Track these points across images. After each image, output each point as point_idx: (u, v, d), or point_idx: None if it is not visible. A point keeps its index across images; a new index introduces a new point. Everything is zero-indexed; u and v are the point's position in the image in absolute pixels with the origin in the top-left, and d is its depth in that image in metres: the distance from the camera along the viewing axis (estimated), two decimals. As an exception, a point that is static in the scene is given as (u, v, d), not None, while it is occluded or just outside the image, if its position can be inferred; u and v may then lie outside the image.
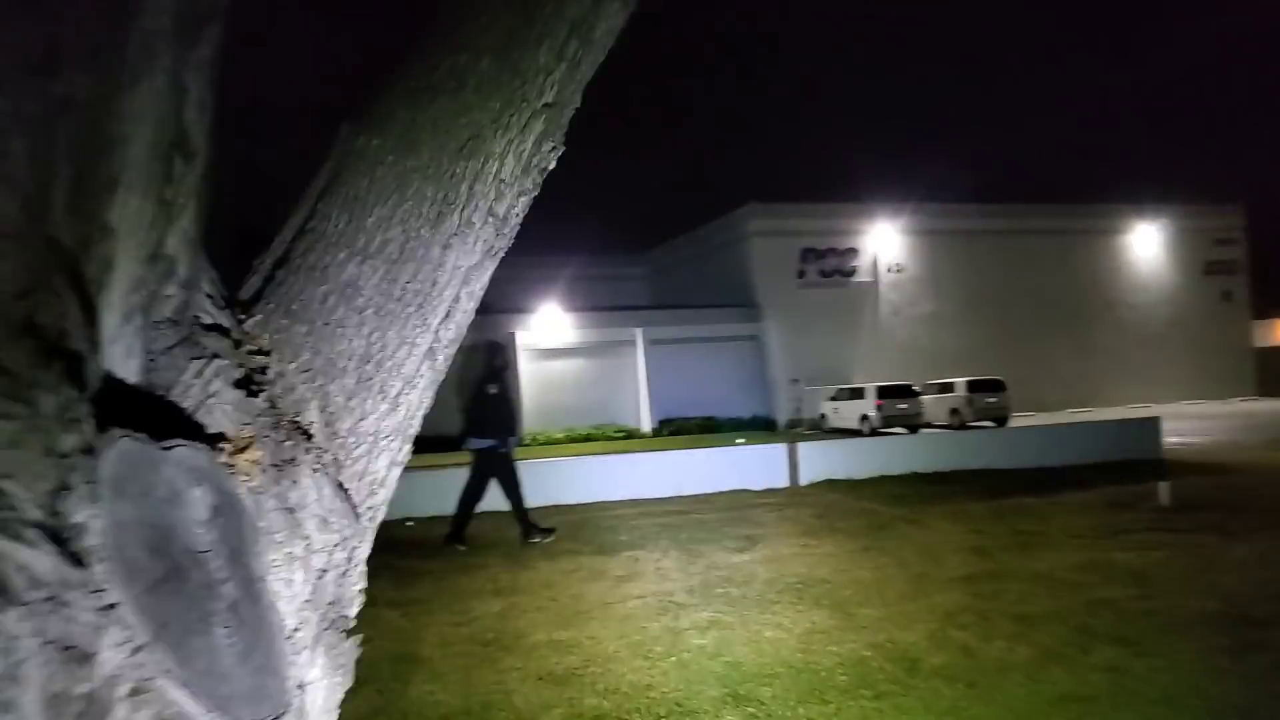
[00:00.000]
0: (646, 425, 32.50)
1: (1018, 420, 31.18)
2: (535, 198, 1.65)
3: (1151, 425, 15.10)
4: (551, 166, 1.67)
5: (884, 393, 29.33)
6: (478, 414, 9.25)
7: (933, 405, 30.71)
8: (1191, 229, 41.53)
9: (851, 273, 36.14)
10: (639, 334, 32.96)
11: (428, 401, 1.55)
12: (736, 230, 35.72)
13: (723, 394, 33.29)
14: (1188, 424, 27.57)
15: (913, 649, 5.41)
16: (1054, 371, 37.62)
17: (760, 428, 32.71)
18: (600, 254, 43.20)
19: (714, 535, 9.31)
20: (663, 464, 12.88)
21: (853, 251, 36.15)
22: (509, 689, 5.02)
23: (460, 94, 1.48)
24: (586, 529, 9.94)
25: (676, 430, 31.73)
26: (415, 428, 1.53)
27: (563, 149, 1.66)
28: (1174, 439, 22.64)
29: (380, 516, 1.50)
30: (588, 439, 30.42)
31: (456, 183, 1.48)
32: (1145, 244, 40.70)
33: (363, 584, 1.47)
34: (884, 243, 36.56)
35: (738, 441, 18.87)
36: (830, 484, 12.96)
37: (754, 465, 12.86)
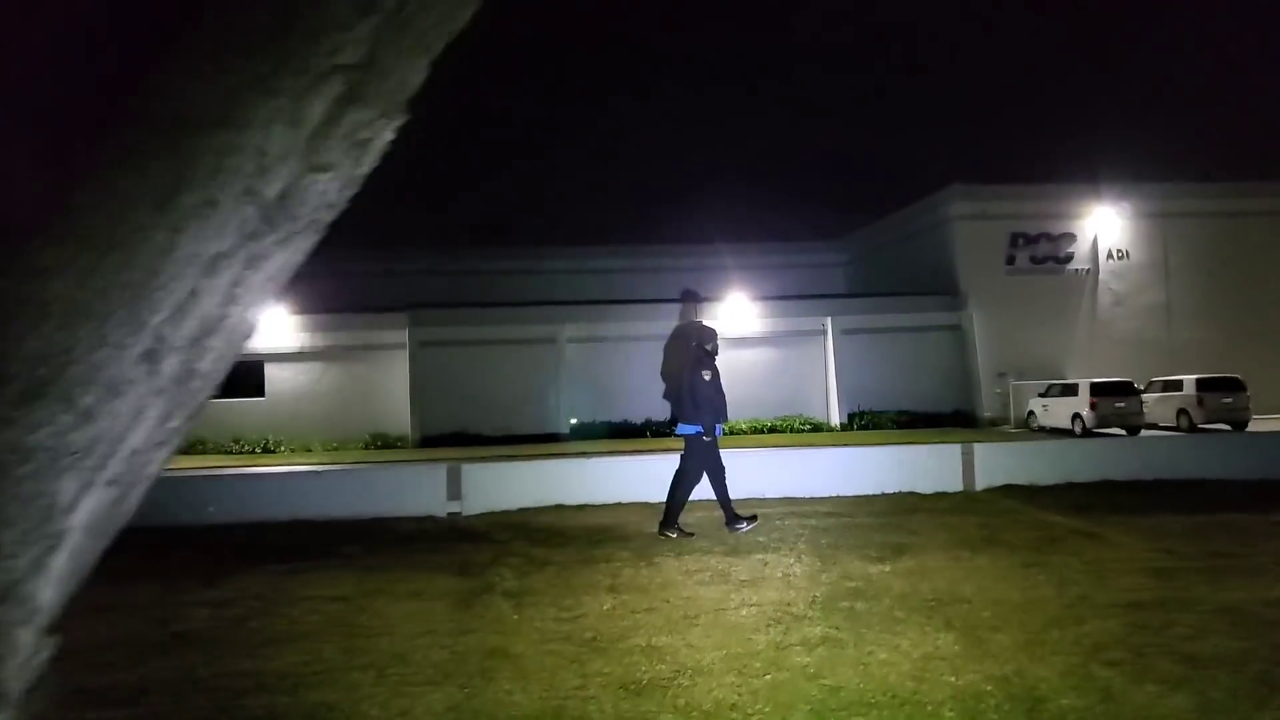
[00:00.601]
0: (836, 418, 31.51)
1: (1260, 424, 27.98)
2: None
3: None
4: (382, 140, 1.39)
5: (1099, 390, 27.03)
6: (687, 398, 9.10)
7: (1157, 405, 28.04)
8: None
9: (1067, 259, 33.45)
10: (829, 323, 31.96)
11: (162, 413, 1.32)
12: (939, 213, 33.90)
13: (920, 387, 31.76)
14: None
15: (1042, 685, 4.77)
16: (1304, 372, 33.36)
17: (961, 424, 31.02)
18: (794, 239, 42.32)
19: (859, 541, 8.74)
20: (824, 460, 12.31)
21: (1069, 236, 33.44)
22: (588, 695, 4.83)
23: (221, 55, 1.24)
24: (724, 528, 9.60)
25: (868, 424, 30.62)
26: (137, 444, 1.30)
27: (399, 120, 1.38)
28: None
29: (81, 544, 1.29)
30: (772, 430, 29.90)
31: (195, 157, 1.23)
32: None
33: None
34: (1104, 227, 33.57)
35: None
36: (1009, 489, 11.96)
37: (926, 466, 12.05)
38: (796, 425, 30.53)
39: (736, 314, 31.80)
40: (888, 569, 7.53)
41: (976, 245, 32.76)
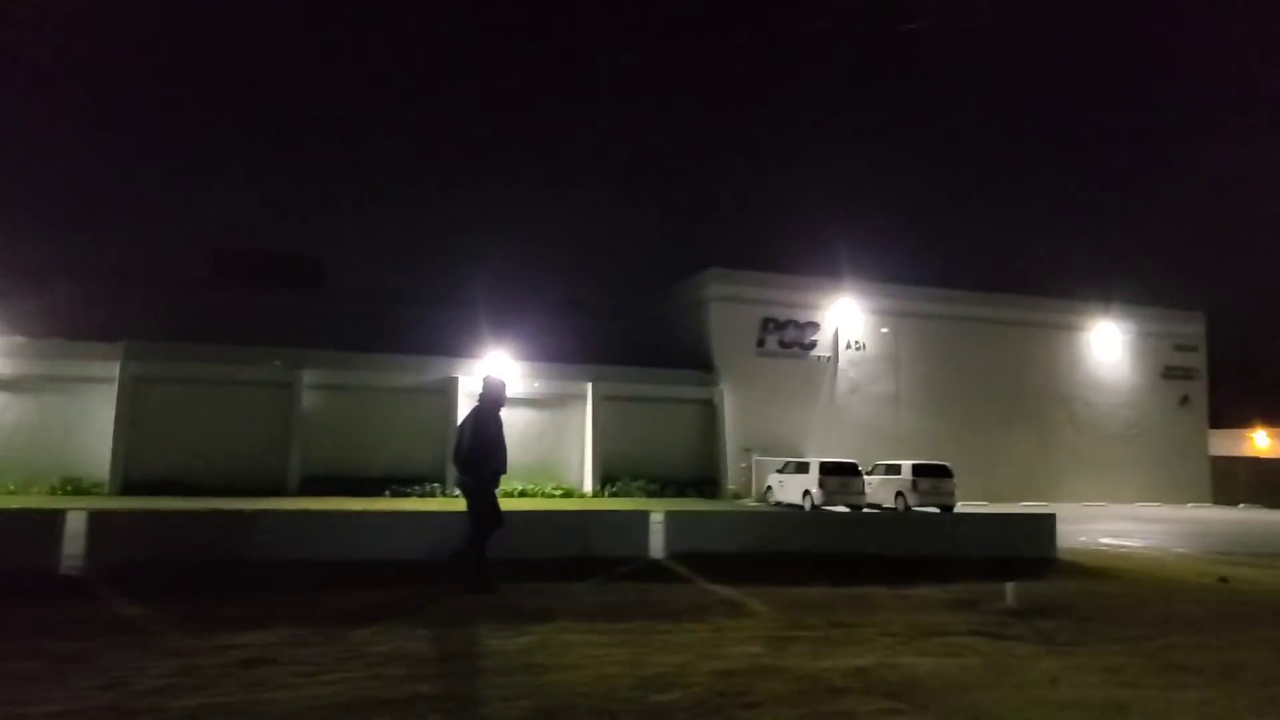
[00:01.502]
0: (589, 485, 31.85)
1: (969, 509, 30.55)
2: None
3: (1048, 522, 14.57)
4: None
5: (827, 469, 28.79)
6: (467, 449, 9.49)
7: (879, 487, 30.17)
8: (1153, 333, 41.37)
9: (811, 345, 35.81)
10: (589, 388, 32.49)
11: None
12: (697, 293, 35.52)
13: (673, 457, 32.75)
14: (1132, 525, 26.99)
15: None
16: (1011, 462, 37.08)
17: (707, 494, 32.11)
18: (568, 306, 43.03)
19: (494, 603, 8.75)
20: (520, 521, 12.30)
21: (813, 325, 35.87)
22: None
23: None
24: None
25: (619, 492, 31.10)
26: None
27: None
28: (1110, 539, 22.06)
29: None
30: (522, 494, 29.79)
31: None
32: (1107, 343, 40.44)
33: None
34: (846, 319, 36.29)
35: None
36: (691, 557, 12.39)
37: (614, 531, 12.31)
38: (548, 490, 30.56)
39: (497, 373, 31.70)
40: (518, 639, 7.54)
41: (730, 326, 34.50)
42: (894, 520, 16.98)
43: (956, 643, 8.18)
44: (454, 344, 31.83)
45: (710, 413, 33.99)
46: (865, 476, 30.79)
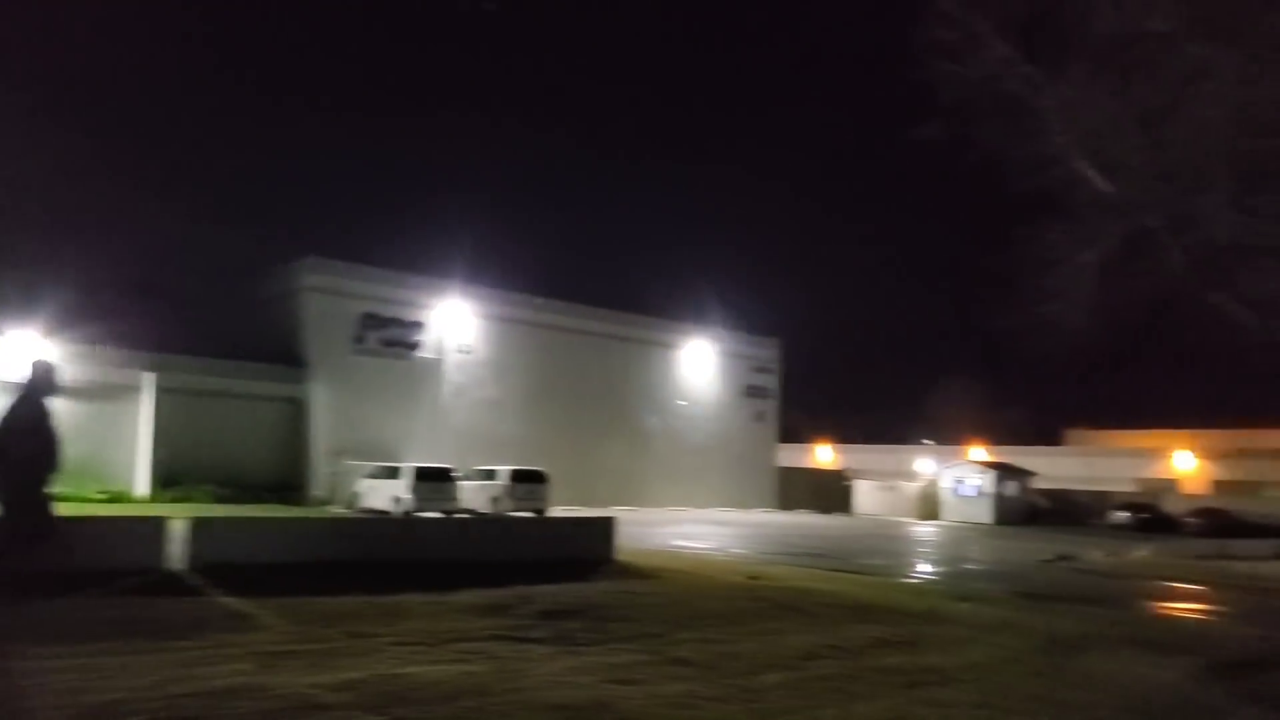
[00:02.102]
0: (143, 487, 28.21)
1: (560, 512, 31.23)
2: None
3: (605, 525, 14.95)
4: None
5: (420, 474, 27.96)
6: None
7: (476, 492, 29.89)
8: (737, 354, 45.77)
9: (416, 346, 34.89)
10: (149, 379, 28.81)
11: None
12: (291, 283, 33.14)
13: (252, 459, 30.08)
14: (704, 528, 29.12)
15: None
16: (607, 468, 38.76)
17: (289, 500, 29.83)
18: (145, 288, 38.23)
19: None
20: None
21: (419, 325, 34.99)
22: None
23: None
24: None
25: (182, 497, 27.89)
26: None
27: None
28: (681, 541, 23.44)
29: None
30: (62, 499, 25.60)
31: None
32: (697, 361, 44.02)
33: None
34: (455, 322, 35.85)
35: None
36: (218, 567, 11.02)
37: (120, 540, 10.60)
38: (90, 494, 26.60)
39: (24, 352, 27.06)
40: None
41: (327, 320, 32.58)
42: (458, 526, 16.61)
43: (473, 649, 7.82)
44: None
45: (298, 412, 31.77)
46: (462, 482, 30.42)
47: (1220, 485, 52.97)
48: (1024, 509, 46.04)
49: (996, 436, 65.24)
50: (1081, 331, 10.90)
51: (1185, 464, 56.13)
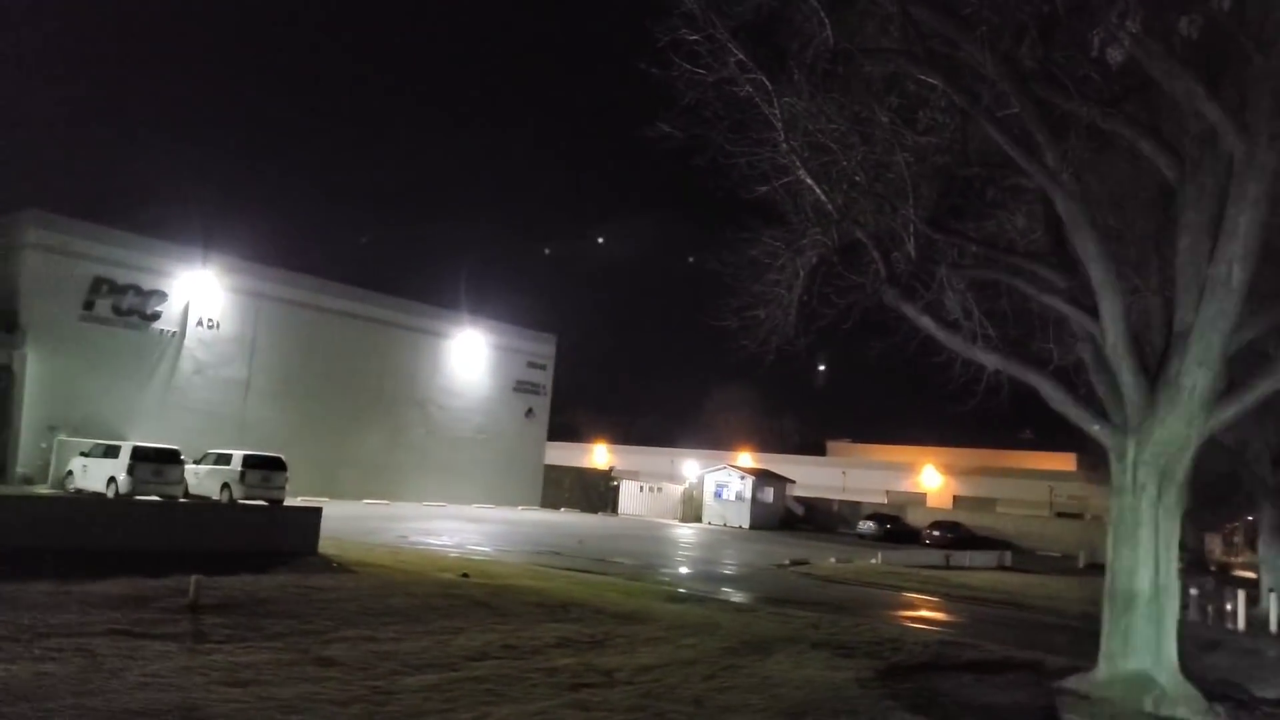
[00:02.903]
0: None
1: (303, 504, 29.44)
2: None
3: (312, 516, 13.94)
4: None
5: (140, 455, 25.45)
6: None
7: (206, 477, 27.61)
8: (510, 348, 44.93)
9: (155, 317, 31.80)
10: None
11: None
12: (8, 238, 29.40)
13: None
14: (454, 524, 28.22)
15: None
16: (359, 459, 36.95)
17: (-17, 479, 26.45)
18: None
19: None
20: None
21: (160, 294, 31.93)
22: None
23: None
24: None
25: None
26: None
27: None
28: (420, 536, 22.51)
29: None
30: None
31: None
32: (467, 352, 42.84)
33: None
34: (201, 294, 32.98)
35: None
36: None
37: None
38: None
39: None
40: None
41: (50, 281, 29.09)
42: (153, 512, 15.00)
43: (72, 645, 6.81)
44: None
45: (6, 380, 28.20)
46: (193, 466, 28.04)
47: (961, 500, 57.24)
48: (780, 515, 47.97)
49: (766, 444, 67.95)
50: (789, 336, 11.03)
51: (931, 479, 60.39)
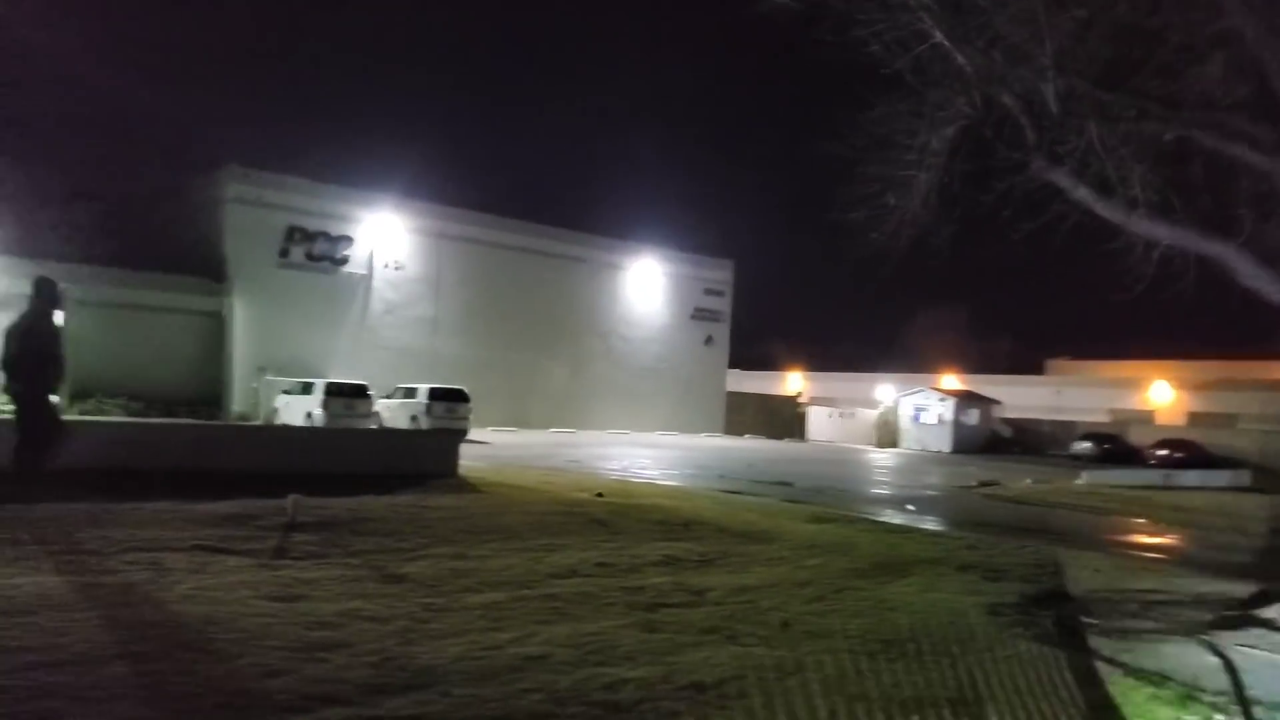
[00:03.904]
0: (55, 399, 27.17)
1: (503, 436, 30.55)
2: None
3: (452, 439, 14.03)
4: None
5: (333, 390, 27.00)
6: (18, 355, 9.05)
7: (396, 410, 29.02)
8: (686, 275, 44.39)
9: (344, 261, 33.56)
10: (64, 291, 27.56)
11: None
12: (212, 193, 31.66)
13: (168, 374, 28.97)
14: (630, 450, 28.25)
15: None
16: (546, 390, 37.83)
17: (204, 416, 28.90)
18: (68, 197, 36.71)
19: None
20: None
21: (347, 239, 33.60)
22: None
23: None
24: None
25: (91, 411, 26.93)
26: None
27: None
28: (594, 462, 22.52)
29: None
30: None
31: None
32: (644, 282, 42.69)
33: None
34: (385, 237, 34.46)
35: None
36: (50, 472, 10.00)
37: None
38: (2, 404, 25.66)
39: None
40: None
41: (250, 232, 31.20)
42: (300, 436, 15.60)
43: (150, 558, 6.90)
44: None
45: (218, 326, 30.62)
46: (384, 400, 29.51)
47: (1196, 417, 52.01)
48: (984, 437, 45.41)
49: (974, 365, 64.40)
50: (925, 221, 9.75)
51: (1162, 395, 55.20)
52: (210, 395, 30.05)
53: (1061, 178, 8.63)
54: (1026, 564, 10.18)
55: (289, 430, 18.75)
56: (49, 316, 9.43)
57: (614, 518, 10.82)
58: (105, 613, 5.36)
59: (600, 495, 13.08)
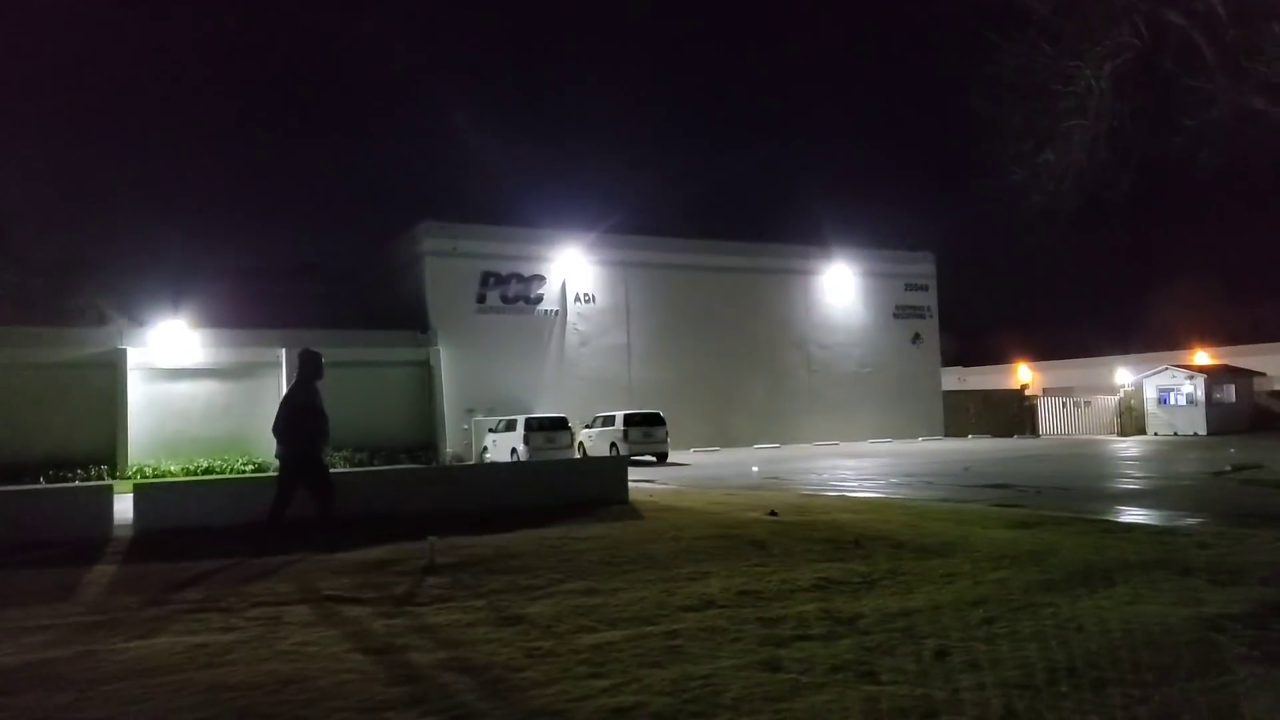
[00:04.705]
0: (283, 457, 29.46)
1: (704, 456, 30.28)
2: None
3: (618, 465, 13.67)
4: None
5: (533, 425, 27.67)
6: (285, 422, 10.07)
7: (597, 439, 29.36)
8: (884, 273, 42.31)
9: (538, 300, 34.50)
10: (284, 354, 29.99)
11: None
12: (412, 250, 33.48)
13: (385, 423, 30.78)
14: (834, 462, 27.03)
15: None
16: (747, 406, 37.10)
17: (422, 460, 30.43)
18: (298, 271, 40.13)
19: None
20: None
21: (539, 279, 34.54)
22: None
23: None
24: None
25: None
26: None
27: None
28: (797, 476, 21.61)
29: None
30: (209, 472, 27.26)
31: None
32: (839, 285, 41.06)
33: None
34: (573, 271, 35.15)
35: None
36: (163, 533, 10.69)
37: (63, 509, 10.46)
38: (238, 466, 28.16)
39: (173, 341, 28.95)
40: None
41: (448, 282, 32.71)
42: (464, 474, 15.75)
43: (272, 612, 6.90)
44: (126, 312, 28.83)
45: (427, 374, 32.20)
46: (584, 430, 29.93)
47: None
48: (1248, 415, 40.39)
49: (1229, 337, 57.75)
50: (1094, 173, 8.43)
51: None
52: (426, 440, 31.59)
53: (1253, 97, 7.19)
54: (1272, 564, 8.50)
55: (450, 471, 19.20)
56: (314, 387, 10.34)
57: (775, 538, 10.05)
58: (189, 676, 5.29)
59: (773, 514, 12.30)
